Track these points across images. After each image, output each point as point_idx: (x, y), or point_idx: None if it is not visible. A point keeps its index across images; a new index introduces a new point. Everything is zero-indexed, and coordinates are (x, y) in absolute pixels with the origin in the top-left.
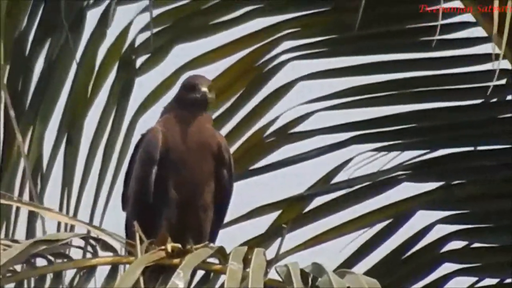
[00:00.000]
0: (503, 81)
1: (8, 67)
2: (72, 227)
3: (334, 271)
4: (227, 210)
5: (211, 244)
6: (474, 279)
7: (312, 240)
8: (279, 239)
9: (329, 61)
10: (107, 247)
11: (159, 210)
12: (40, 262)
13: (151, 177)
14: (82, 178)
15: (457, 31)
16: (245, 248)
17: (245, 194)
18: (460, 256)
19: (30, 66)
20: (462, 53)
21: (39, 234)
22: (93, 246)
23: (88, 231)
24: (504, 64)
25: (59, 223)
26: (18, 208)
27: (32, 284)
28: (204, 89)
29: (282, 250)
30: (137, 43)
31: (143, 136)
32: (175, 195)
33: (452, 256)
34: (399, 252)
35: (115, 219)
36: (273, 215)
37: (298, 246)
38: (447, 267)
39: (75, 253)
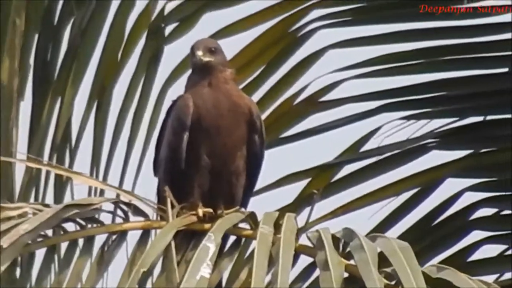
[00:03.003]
0: None
1: (37, 35)
2: (102, 192)
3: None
4: (258, 177)
5: (242, 209)
6: (504, 246)
7: (341, 208)
8: (308, 208)
9: (358, 29)
10: (138, 212)
11: (191, 176)
12: (71, 227)
13: (183, 143)
14: (112, 144)
15: None
16: (276, 213)
17: (275, 162)
18: (489, 224)
19: (59, 35)
20: (491, 21)
21: (68, 199)
22: (124, 211)
23: (119, 196)
24: None
25: (89, 189)
26: (48, 173)
27: (63, 249)
28: (199, 52)
29: (312, 219)
30: (166, 11)
31: (174, 102)
32: (207, 161)
33: (481, 223)
34: (428, 220)
35: (146, 185)
36: (303, 183)
37: (327, 215)
38: (476, 235)
39: (106, 218)
